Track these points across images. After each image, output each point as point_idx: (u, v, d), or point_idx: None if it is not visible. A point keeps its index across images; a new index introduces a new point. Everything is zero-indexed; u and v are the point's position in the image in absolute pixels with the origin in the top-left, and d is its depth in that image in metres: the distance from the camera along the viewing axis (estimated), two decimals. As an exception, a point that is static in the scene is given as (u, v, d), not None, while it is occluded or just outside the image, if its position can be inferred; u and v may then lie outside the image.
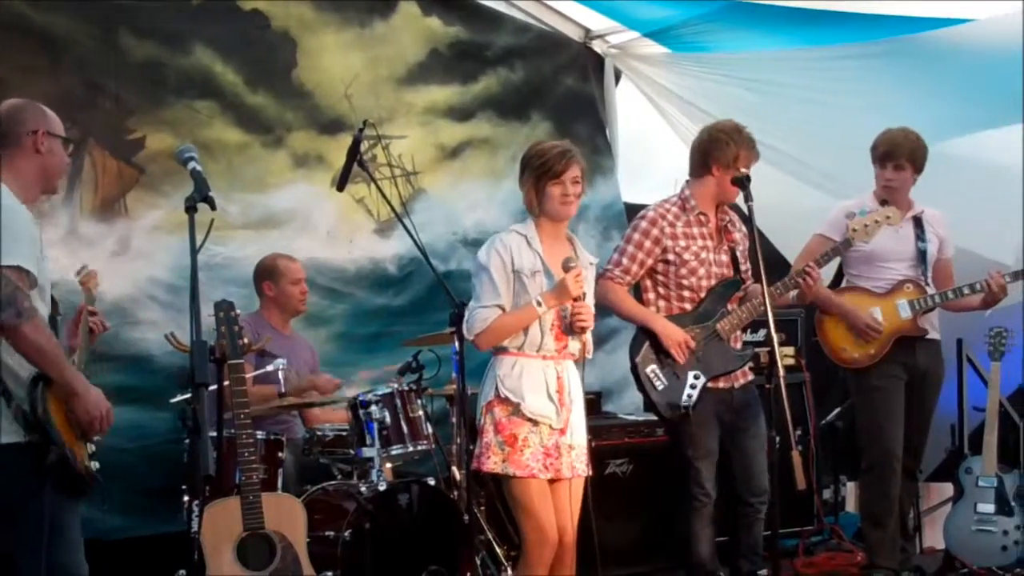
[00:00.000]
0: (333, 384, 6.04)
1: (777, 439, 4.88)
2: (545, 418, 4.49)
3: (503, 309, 4.51)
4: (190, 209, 3.67)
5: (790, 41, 7.13)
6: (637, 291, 5.45)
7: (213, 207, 3.69)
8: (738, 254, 5.36)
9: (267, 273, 6.10)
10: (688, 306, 5.34)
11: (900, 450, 5.80)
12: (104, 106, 6.05)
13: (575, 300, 4.48)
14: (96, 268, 5.65)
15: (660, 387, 5.31)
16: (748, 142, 5.30)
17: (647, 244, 5.33)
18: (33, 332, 3.68)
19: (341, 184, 5.59)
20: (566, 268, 4.45)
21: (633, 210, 7.80)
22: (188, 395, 5.07)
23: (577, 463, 4.58)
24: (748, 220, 5.06)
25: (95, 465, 3.95)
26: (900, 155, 5.71)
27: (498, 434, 4.49)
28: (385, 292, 6.91)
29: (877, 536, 5.89)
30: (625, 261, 5.35)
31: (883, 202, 5.70)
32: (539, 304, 4.44)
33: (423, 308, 6.83)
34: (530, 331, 4.51)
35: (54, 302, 4.11)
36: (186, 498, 5.09)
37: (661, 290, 5.38)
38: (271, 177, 6.56)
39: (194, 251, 3.59)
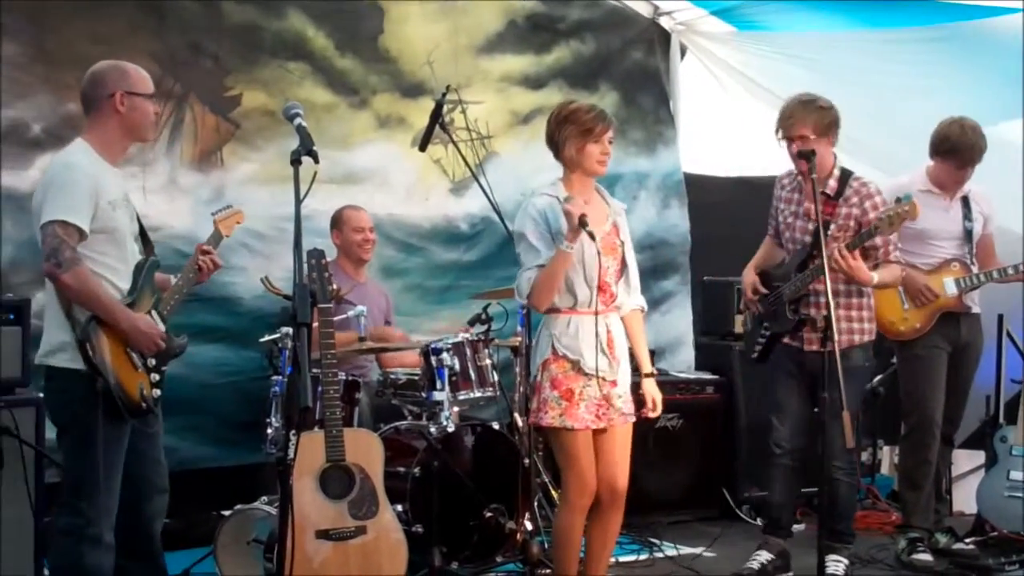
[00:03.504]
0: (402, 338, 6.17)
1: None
2: (601, 372, 4.50)
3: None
4: (295, 162, 3.66)
5: (849, 24, 7.09)
6: None
7: (316, 160, 3.70)
8: (833, 227, 5.25)
9: (334, 222, 6.20)
10: (787, 259, 5.49)
11: (940, 417, 5.83)
12: (205, 65, 6.14)
13: (582, 222, 4.36)
14: (193, 215, 5.90)
15: (746, 330, 5.68)
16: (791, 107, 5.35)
17: (774, 203, 5.59)
18: (73, 280, 3.85)
19: (423, 145, 5.69)
20: (564, 203, 4.41)
21: (692, 179, 7.90)
22: (276, 335, 5.29)
23: (625, 409, 4.60)
24: (812, 193, 5.05)
25: (156, 393, 4.08)
26: (975, 159, 5.73)
27: (554, 390, 4.49)
28: (456, 248, 6.99)
29: (913, 497, 5.92)
30: (769, 218, 5.64)
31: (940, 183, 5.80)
32: (563, 244, 4.39)
33: (491, 264, 6.92)
34: (579, 288, 4.50)
35: (149, 244, 4.26)
36: (269, 430, 5.19)
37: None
38: (355, 136, 6.63)
39: (298, 201, 3.60)
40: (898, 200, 5.17)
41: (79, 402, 3.91)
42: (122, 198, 4.11)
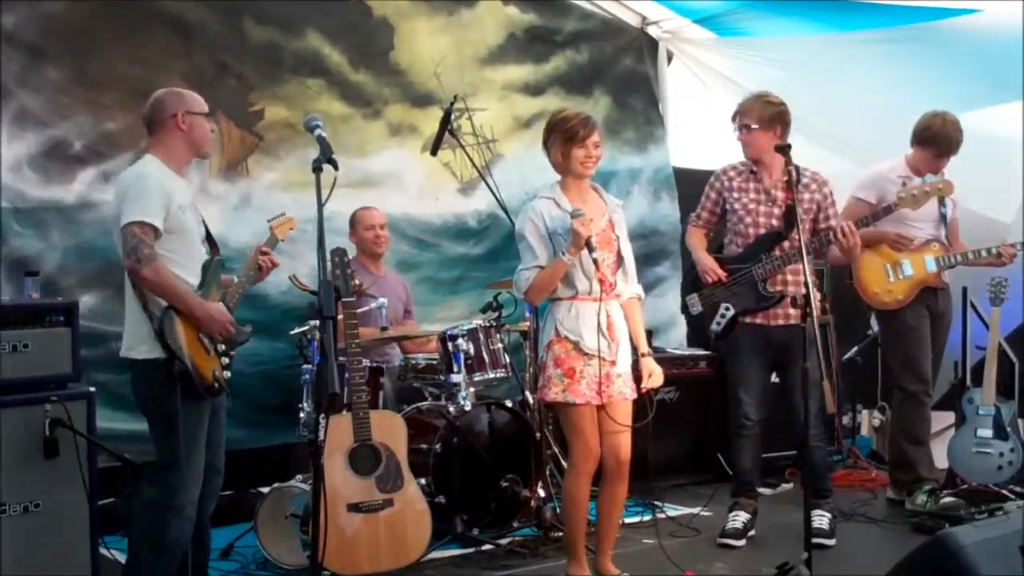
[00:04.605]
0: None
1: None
2: (603, 353, 4.49)
3: (542, 268, 4.49)
4: (317, 169, 3.66)
5: (822, 27, 7.07)
6: None
7: (336, 168, 3.69)
8: (800, 211, 5.18)
9: (351, 224, 6.17)
10: (739, 249, 5.41)
11: (930, 378, 5.90)
12: (230, 83, 6.10)
13: (588, 243, 4.39)
14: (223, 220, 5.87)
15: (695, 311, 5.50)
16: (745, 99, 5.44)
17: (712, 195, 5.53)
18: (152, 274, 3.93)
19: (434, 149, 5.69)
20: (573, 217, 4.40)
21: (681, 174, 7.86)
22: (305, 328, 5.27)
23: (624, 388, 4.59)
24: (789, 183, 5.00)
25: (227, 375, 4.17)
26: (951, 150, 5.80)
27: (558, 368, 4.50)
28: (466, 242, 6.96)
29: (919, 452, 5.95)
30: (699, 208, 5.60)
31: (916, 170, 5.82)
32: (563, 254, 4.42)
33: (498, 257, 6.88)
34: (579, 281, 4.50)
35: (215, 246, 4.34)
36: (302, 414, 5.21)
37: (728, 235, 5.52)
38: (370, 144, 6.60)
39: (320, 205, 3.60)
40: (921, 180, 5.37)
41: (160, 387, 3.98)
42: (189, 203, 4.20)
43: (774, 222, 5.36)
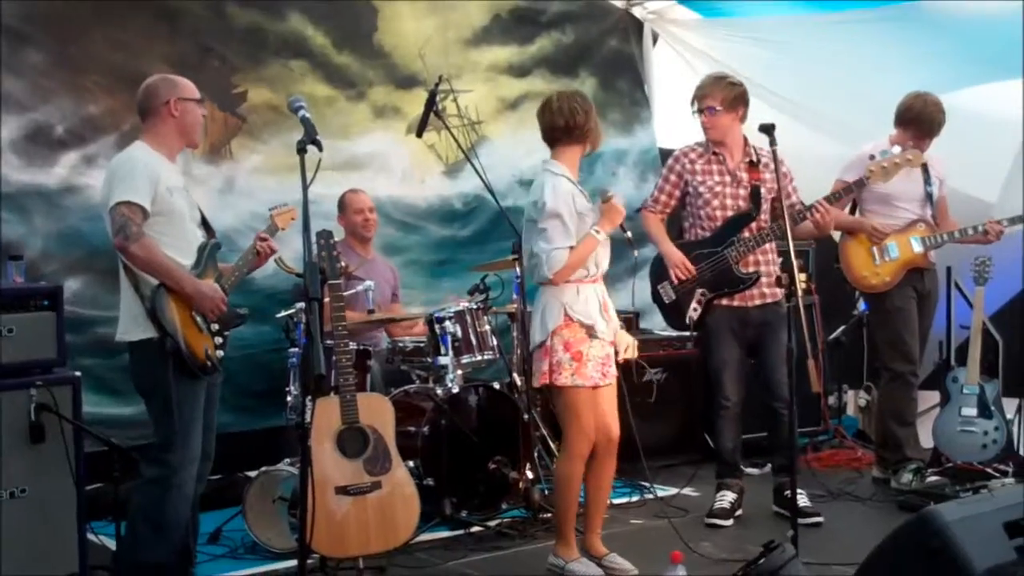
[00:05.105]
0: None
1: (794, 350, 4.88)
2: (605, 334, 4.54)
3: (573, 248, 4.49)
4: (301, 151, 3.64)
5: (807, 7, 7.07)
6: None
7: (320, 149, 3.68)
8: (763, 191, 5.30)
9: (338, 207, 6.17)
10: (706, 233, 5.39)
11: (918, 358, 5.93)
12: (213, 65, 6.08)
13: (621, 228, 4.53)
14: (207, 204, 5.80)
15: (668, 300, 5.45)
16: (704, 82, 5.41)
17: (672, 178, 5.48)
18: (140, 249, 3.97)
19: (420, 131, 5.64)
20: (606, 199, 4.46)
21: (667, 155, 7.84)
22: (291, 311, 5.26)
23: (612, 366, 4.64)
24: (774, 163, 4.99)
25: (220, 354, 4.22)
26: (933, 131, 5.79)
27: (567, 352, 4.48)
28: (451, 225, 6.94)
29: (905, 432, 5.97)
30: (656, 193, 5.55)
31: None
32: (597, 232, 4.47)
33: (484, 239, 6.89)
34: (591, 266, 4.53)
35: (211, 230, 4.36)
36: (289, 398, 5.20)
37: (690, 218, 5.47)
38: (354, 126, 6.58)
39: (305, 187, 3.59)
40: (883, 153, 5.33)
41: (156, 366, 4.03)
42: (179, 187, 4.22)
43: (741, 203, 5.35)
